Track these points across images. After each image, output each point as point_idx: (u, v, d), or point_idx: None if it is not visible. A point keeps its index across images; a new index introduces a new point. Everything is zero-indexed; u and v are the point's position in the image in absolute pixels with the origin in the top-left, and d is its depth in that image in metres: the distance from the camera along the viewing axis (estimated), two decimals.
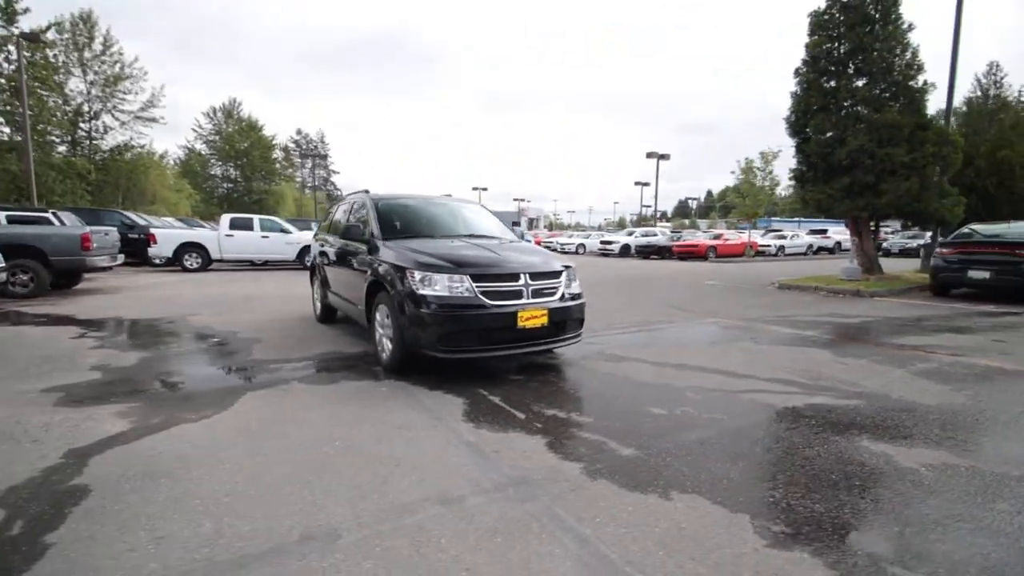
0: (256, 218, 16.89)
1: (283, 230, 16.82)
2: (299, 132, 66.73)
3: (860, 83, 11.68)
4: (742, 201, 23.65)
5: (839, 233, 28.04)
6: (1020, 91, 22.50)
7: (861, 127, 10.93)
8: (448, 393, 3.86)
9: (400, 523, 2.09)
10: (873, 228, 13.21)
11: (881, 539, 2.02)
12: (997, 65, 24.24)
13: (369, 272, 4.71)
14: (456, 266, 4.10)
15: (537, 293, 4.29)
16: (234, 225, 16.16)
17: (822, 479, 2.53)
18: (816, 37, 12.12)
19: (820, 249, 28.32)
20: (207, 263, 15.82)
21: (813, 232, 29.71)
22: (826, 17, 12.16)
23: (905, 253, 25.34)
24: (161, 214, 27.13)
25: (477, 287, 4.03)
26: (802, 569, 1.84)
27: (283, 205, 48.68)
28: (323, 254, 6.65)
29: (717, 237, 24.34)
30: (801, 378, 4.31)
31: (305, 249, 16.84)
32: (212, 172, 48.49)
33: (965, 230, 9.99)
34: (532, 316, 4.13)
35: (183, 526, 2.06)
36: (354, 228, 5.06)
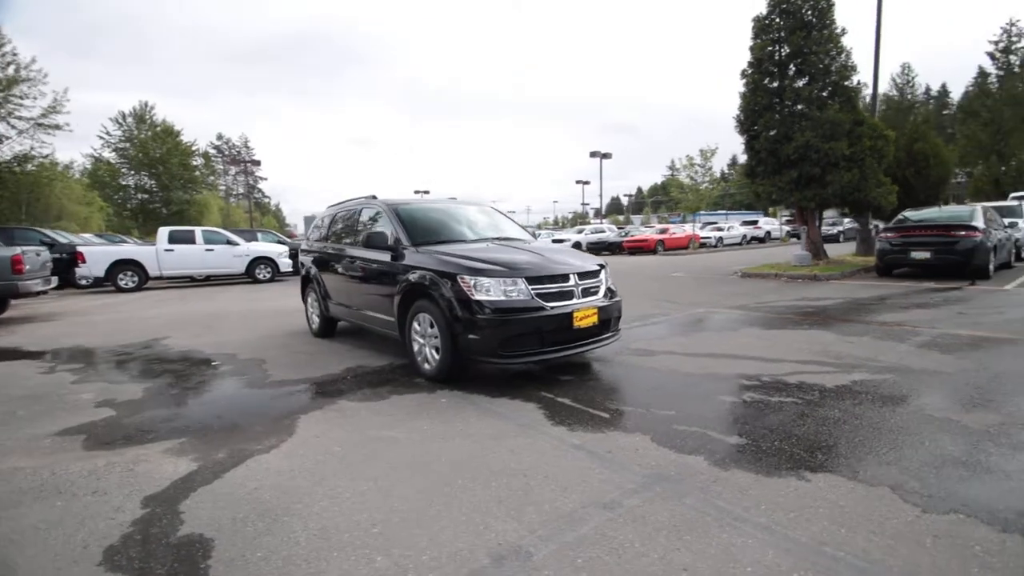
0: (198, 230, 15.73)
1: (229, 242, 15.75)
2: (220, 137, 62.55)
3: (801, 83, 12.67)
4: (685, 196, 24.94)
5: (768, 224, 30.23)
6: (928, 88, 25.38)
7: (806, 124, 11.85)
8: (514, 399, 3.79)
9: (580, 532, 2.04)
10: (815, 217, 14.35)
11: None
12: (908, 66, 27.32)
13: (402, 281, 4.53)
14: (509, 269, 4.04)
15: (585, 292, 4.31)
16: (174, 239, 14.93)
17: (920, 444, 2.73)
18: (759, 41, 13.00)
19: (752, 239, 30.39)
20: (143, 281, 14.51)
21: (746, 223, 31.86)
22: (767, 22, 13.07)
23: (826, 240, 27.66)
24: (72, 230, 24.47)
25: (533, 289, 3.99)
26: (966, 528, 1.98)
27: (207, 215, 45.41)
28: (322, 265, 6.30)
29: (663, 232, 25.49)
30: (826, 358, 4.62)
31: (257, 261, 15.90)
32: (124, 183, 44.34)
33: (902, 216, 11.10)
34: (585, 316, 4.15)
35: (353, 564, 1.89)
36: (377, 236, 4.83)
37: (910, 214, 11.09)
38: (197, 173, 47.18)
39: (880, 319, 6.40)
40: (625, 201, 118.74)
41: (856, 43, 12.70)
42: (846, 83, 12.04)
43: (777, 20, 12.91)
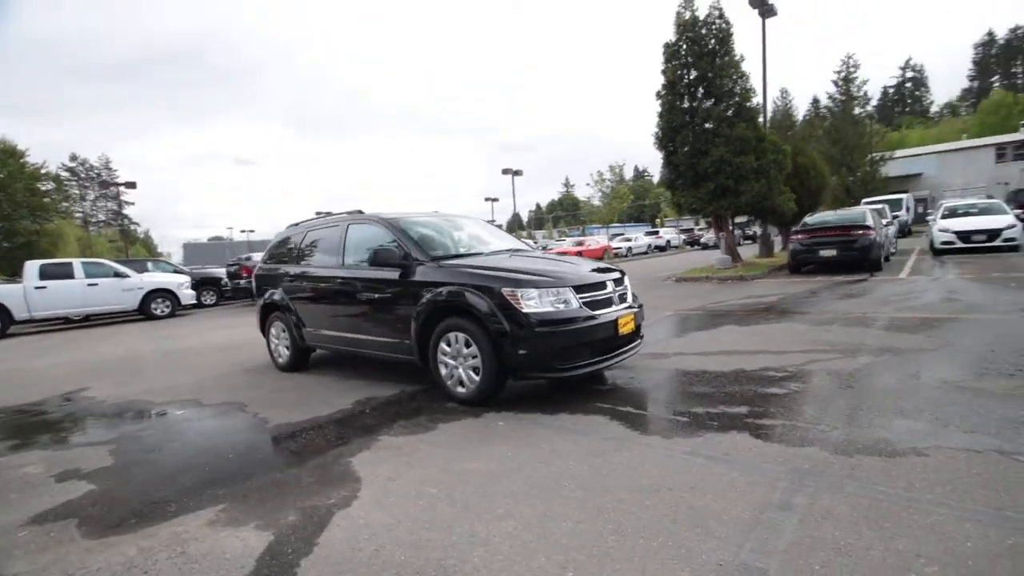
0: (77, 262, 13.41)
1: (117, 274, 13.63)
2: (74, 158, 54.34)
3: (708, 104, 13.96)
4: (599, 209, 26.30)
5: (668, 233, 32.80)
6: (807, 108, 29.69)
7: (719, 140, 13.05)
8: (575, 414, 3.62)
9: (787, 539, 1.94)
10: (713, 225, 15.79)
11: None
12: (786, 91, 32.20)
13: (423, 299, 4.15)
14: (555, 279, 3.87)
15: (621, 299, 4.28)
16: (47, 274, 12.62)
17: (978, 410, 3.01)
18: (671, 65, 14.14)
19: (655, 247, 32.76)
20: (6, 327, 12.02)
21: (648, 233, 34.31)
22: (676, 49, 14.27)
23: (716, 246, 30.68)
24: None
25: (580, 298, 3.87)
26: None
27: (63, 247, 39.07)
28: (294, 290, 5.62)
29: (580, 244, 26.60)
30: (823, 346, 5.00)
31: (152, 295, 13.91)
32: None
33: (804, 220, 12.58)
34: (626, 322, 4.11)
35: None
36: (385, 253, 4.40)
37: (809, 219, 12.62)
38: (47, 199, 40.48)
39: (831, 310, 7.11)
40: (526, 217, 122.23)
41: (748, 69, 14.32)
42: (748, 104, 13.49)
43: (684, 47, 14.15)
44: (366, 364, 5.77)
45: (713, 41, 13.75)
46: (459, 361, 4.02)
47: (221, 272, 17.81)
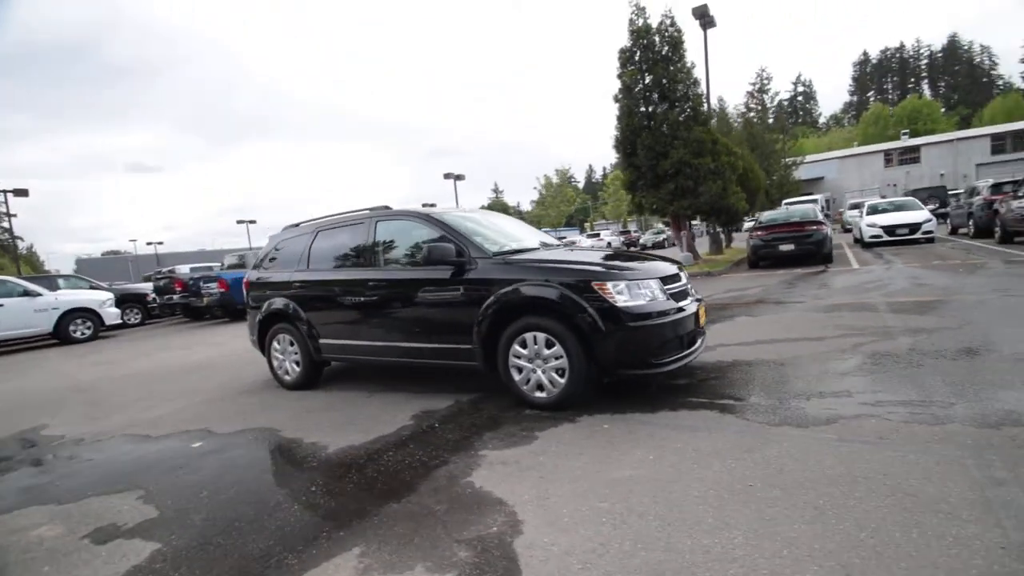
0: None
1: (27, 292, 11.75)
2: None
3: (664, 108, 14.49)
4: (546, 213, 26.56)
5: (608, 235, 33.82)
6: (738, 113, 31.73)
7: (679, 143, 13.57)
8: (678, 410, 3.45)
9: None
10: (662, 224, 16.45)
11: None
12: (722, 98, 34.65)
13: (491, 299, 3.81)
14: (640, 271, 3.69)
15: (692, 291, 4.19)
16: None
17: None
18: (627, 70, 14.55)
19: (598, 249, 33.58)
20: None
21: (590, 236, 35.20)
22: (630, 54, 14.70)
23: (657, 246, 32.10)
24: None
25: (665, 290, 3.72)
26: None
27: None
28: (308, 298, 5.01)
29: None
30: (854, 330, 5.20)
31: (70, 315, 12.12)
32: None
33: (759, 218, 13.37)
34: (703, 314, 4.02)
35: None
36: (438, 250, 3.99)
37: (763, 216, 13.44)
38: None
39: (820, 297, 7.51)
40: None
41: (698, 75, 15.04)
42: (702, 108, 14.16)
43: (639, 53, 14.60)
44: (383, 375, 5.27)
45: (667, 48, 14.31)
46: (537, 363, 3.72)
47: (146, 287, 15.92)
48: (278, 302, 5.25)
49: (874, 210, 15.90)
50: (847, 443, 2.68)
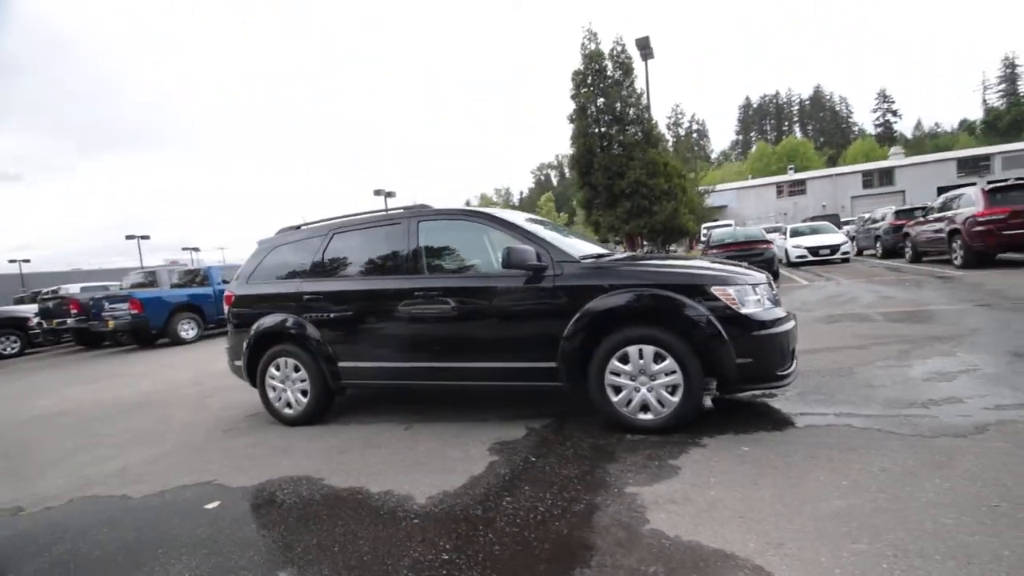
0: None
1: None
2: None
3: (615, 129, 14.91)
4: None
5: None
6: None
7: (635, 163, 13.96)
8: (807, 427, 3.16)
9: None
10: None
11: None
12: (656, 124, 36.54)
13: (585, 308, 3.33)
14: (748, 276, 3.40)
15: None
16: None
17: None
18: (582, 91, 14.83)
19: None
20: None
21: None
22: (583, 77, 15.04)
23: None
24: None
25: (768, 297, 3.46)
26: None
27: None
28: (320, 313, 4.17)
29: None
30: (873, 339, 5.33)
31: None
32: None
33: (711, 237, 14.01)
34: None
35: None
36: (520, 253, 3.43)
37: (713, 235, 14.11)
38: None
39: (813, 311, 7.80)
40: None
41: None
42: (654, 131, 14.74)
43: (591, 77, 14.98)
44: (394, 403, 4.53)
45: (619, 72, 14.80)
46: (641, 381, 3.27)
47: (26, 310, 13.19)
48: (278, 319, 4.33)
49: (796, 233, 17.39)
50: None
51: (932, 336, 5.20)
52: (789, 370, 3.27)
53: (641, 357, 3.25)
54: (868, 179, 44.20)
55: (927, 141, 73.89)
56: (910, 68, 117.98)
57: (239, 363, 4.61)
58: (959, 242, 10.59)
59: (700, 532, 2.13)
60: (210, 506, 2.90)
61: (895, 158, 47.42)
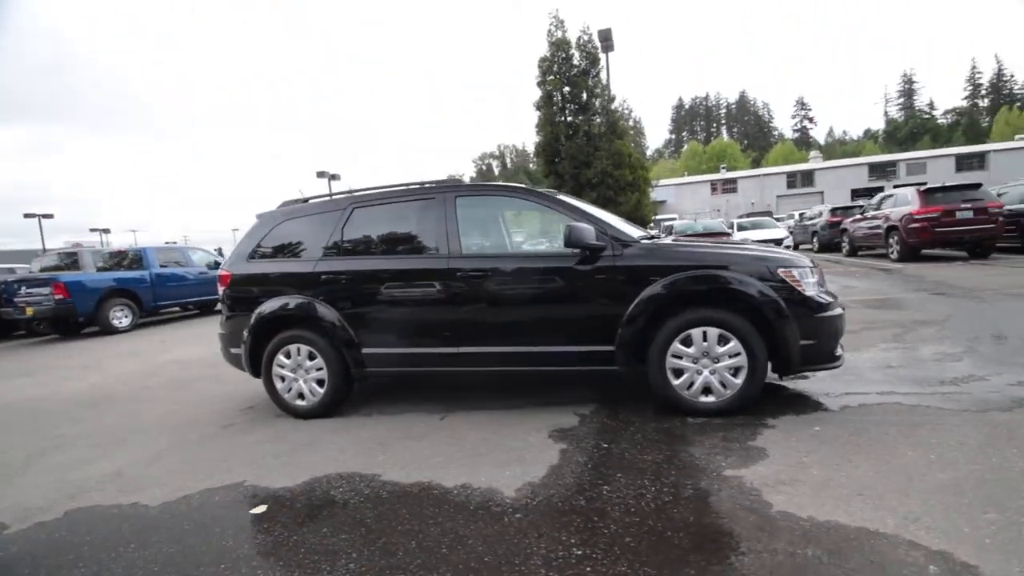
0: None
1: None
2: None
3: (581, 119, 14.96)
4: None
5: None
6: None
7: (601, 153, 14.08)
8: (861, 404, 3.26)
9: None
10: None
11: None
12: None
13: (649, 289, 3.24)
14: (798, 259, 3.44)
15: None
16: None
17: None
18: (549, 79, 14.72)
19: None
20: None
21: None
22: (549, 65, 14.93)
23: None
24: None
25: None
26: None
27: None
28: (345, 296, 3.81)
29: None
30: (865, 324, 5.68)
31: None
32: None
33: (673, 229, 14.44)
34: None
35: None
36: (581, 231, 3.27)
37: (675, 226, 14.57)
38: None
39: None
40: None
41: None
42: (619, 122, 14.93)
43: (557, 65, 14.90)
44: (413, 390, 4.26)
45: (585, 62, 14.83)
46: (704, 363, 3.24)
47: None
48: (289, 302, 3.90)
49: (740, 227, 18.35)
50: None
51: (915, 321, 5.60)
52: (841, 352, 3.36)
53: (705, 339, 3.22)
54: (792, 180, 47.68)
55: (838, 147, 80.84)
56: (822, 79, 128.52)
57: (237, 351, 4.12)
58: (896, 238, 11.58)
59: (830, 511, 2.10)
60: (258, 511, 2.54)
61: (815, 161, 51.47)
